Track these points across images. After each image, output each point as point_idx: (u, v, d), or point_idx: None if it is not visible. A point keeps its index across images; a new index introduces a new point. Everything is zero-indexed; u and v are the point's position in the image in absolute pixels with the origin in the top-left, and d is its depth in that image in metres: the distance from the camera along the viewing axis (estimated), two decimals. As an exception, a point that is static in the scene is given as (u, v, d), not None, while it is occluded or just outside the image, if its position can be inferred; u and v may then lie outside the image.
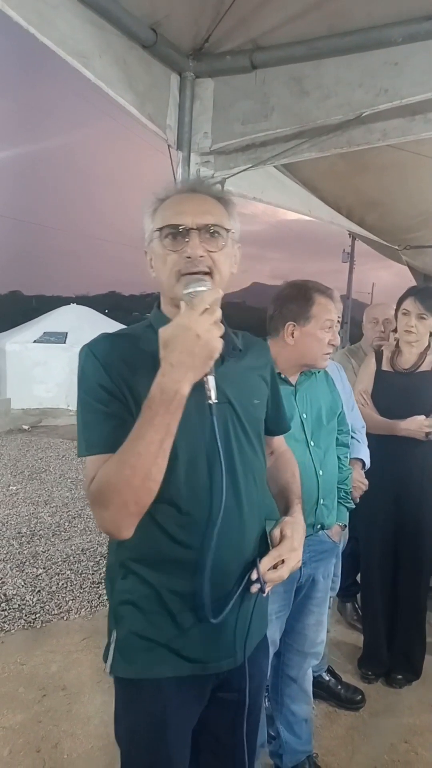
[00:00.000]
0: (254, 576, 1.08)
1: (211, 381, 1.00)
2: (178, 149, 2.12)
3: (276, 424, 1.36)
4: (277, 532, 1.13)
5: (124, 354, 1.07)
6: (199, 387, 1.00)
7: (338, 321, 2.29)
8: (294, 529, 1.14)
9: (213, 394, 1.01)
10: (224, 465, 1.07)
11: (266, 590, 1.09)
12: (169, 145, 2.13)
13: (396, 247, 4.47)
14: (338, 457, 1.99)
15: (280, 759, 2.02)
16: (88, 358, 1.08)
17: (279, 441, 1.42)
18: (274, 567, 1.09)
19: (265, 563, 1.09)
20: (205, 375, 0.99)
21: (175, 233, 1.06)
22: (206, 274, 1.05)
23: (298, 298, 1.75)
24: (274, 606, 1.73)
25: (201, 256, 1.05)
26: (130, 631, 1.13)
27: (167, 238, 1.07)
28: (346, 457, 2.07)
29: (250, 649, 1.19)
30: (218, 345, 0.96)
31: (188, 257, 1.05)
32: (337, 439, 2.00)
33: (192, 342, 0.93)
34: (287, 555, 1.10)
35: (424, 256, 4.51)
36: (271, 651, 1.82)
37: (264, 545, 1.16)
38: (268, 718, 2.04)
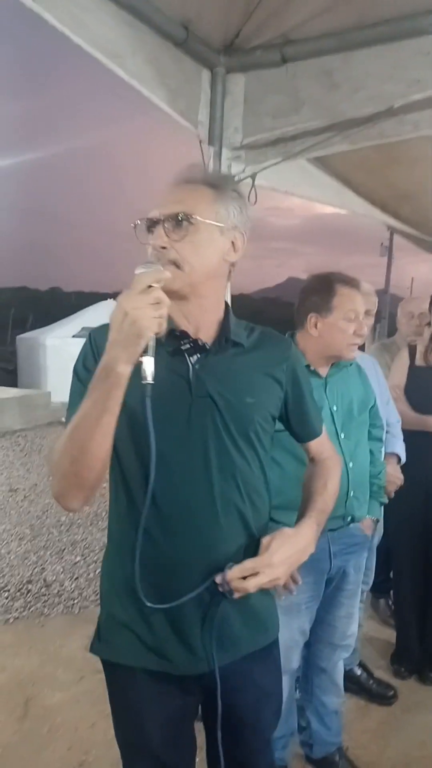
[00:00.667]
0: (218, 579, 1.04)
1: (147, 362, 0.96)
2: (210, 144, 2.14)
3: (301, 427, 1.26)
4: (265, 541, 1.08)
5: None
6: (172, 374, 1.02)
7: (368, 312, 2.27)
8: (284, 542, 1.07)
9: (149, 375, 0.96)
10: (166, 449, 1.03)
11: (235, 596, 1.05)
12: (200, 141, 2.16)
13: (432, 239, 4.39)
14: (371, 452, 1.98)
15: (310, 749, 2.04)
16: (85, 342, 1.13)
17: (318, 446, 1.30)
18: (244, 577, 1.04)
19: (234, 571, 1.04)
20: (142, 355, 0.95)
21: (149, 225, 1.06)
22: (175, 266, 1.03)
23: (320, 289, 1.75)
24: (304, 596, 1.75)
25: (163, 247, 1.03)
26: (109, 612, 1.16)
27: (146, 232, 1.07)
28: (380, 452, 2.06)
29: (224, 656, 1.11)
30: (149, 324, 0.92)
31: (153, 248, 1.04)
32: (370, 432, 1.99)
33: (120, 319, 0.92)
34: (261, 569, 1.04)
35: (461, 248, 4.41)
36: (302, 641, 1.84)
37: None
38: (298, 708, 2.06)
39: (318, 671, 2.00)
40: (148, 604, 1.05)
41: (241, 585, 1.04)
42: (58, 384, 10.07)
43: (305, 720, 2.05)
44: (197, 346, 1.09)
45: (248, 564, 1.05)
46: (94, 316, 11.64)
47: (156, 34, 1.86)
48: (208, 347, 1.10)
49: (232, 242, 1.11)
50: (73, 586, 3.39)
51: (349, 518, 1.81)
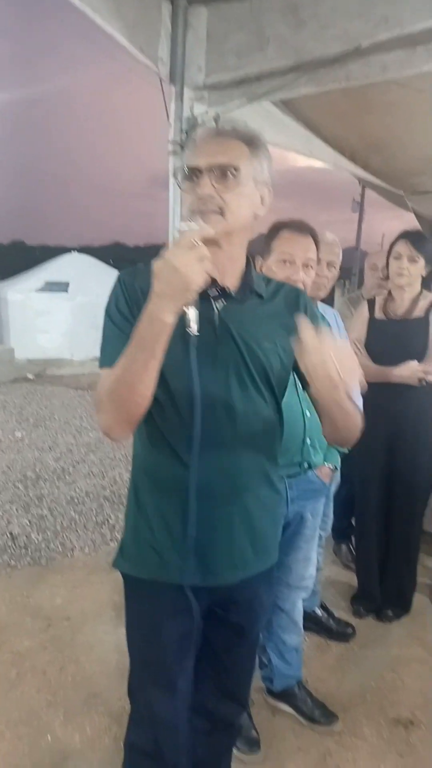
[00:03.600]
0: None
1: (191, 312, 1.07)
2: (171, 83, 2.05)
3: None
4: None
5: (143, 284, 1.13)
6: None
7: (330, 264, 2.26)
8: None
9: (194, 325, 1.07)
10: (201, 391, 1.14)
11: None
12: (161, 79, 2.06)
13: (401, 193, 4.35)
14: None
15: (270, 682, 2.14)
16: (116, 284, 1.20)
17: None
18: None
19: None
20: (187, 306, 1.05)
21: (191, 175, 1.12)
22: (219, 214, 1.11)
23: (268, 233, 1.75)
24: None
25: (210, 196, 1.10)
26: (134, 533, 1.27)
27: (186, 180, 1.13)
28: None
29: (241, 573, 1.27)
30: (197, 278, 1.01)
31: (199, 197, 1.11)
32: None
33: (171, 274, 1.00)
34: None
35: (429, 202, 4.39)
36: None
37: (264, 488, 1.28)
38: (260, 648, 2.15)
39: (278, 611, 2.07)
40: (191, 534, 1.18)
41: None
42: (22, 340, 9.85)
43: (266, 657, 2.14)
44: (223, 293, 1.18)
45: None
46: (58, 269, 11.29)
47: (112, -43, 1.74)
48: (233, 294, 1.19)
49: (261, 196, 1.19)
50: (40, 538, 3.41)
51: (305, 464, 1.85)
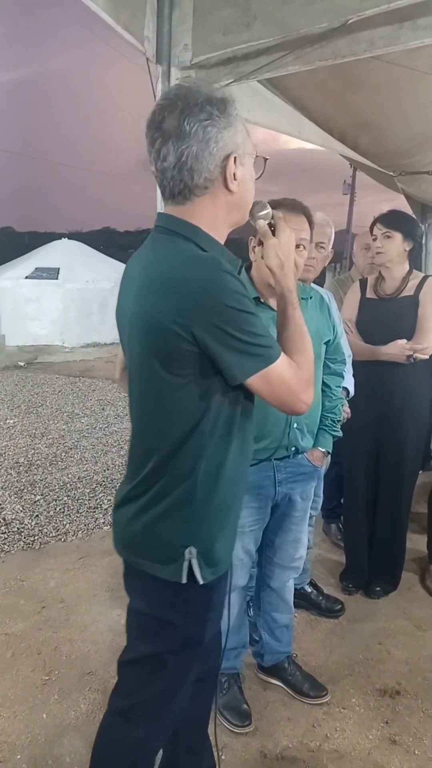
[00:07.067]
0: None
1: None
2: (158, 63, 2.03)
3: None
4: None
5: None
6: None
7: (319, 244, 2.28)
8: None
9: None
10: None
11: None
12: (147, 59, 2.04)
13: (391, 174, 4.33)
14: (329, 386, 2.03)
15: (261, 658, 2.18)
16: (227, 277, 1.07)
17: None
18: None
19: None
20: None
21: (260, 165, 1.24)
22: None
23: None
24: (248, 519, 1.83)
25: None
26: (210, 539, 1.20)
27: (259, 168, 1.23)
28: (338, 387, 2.09)
29: None
30: None
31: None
32: (329, 366, 2.02)
33: (289, 255, 1.25)
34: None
35: (419, 183, 4.37)
36: (248, 560, 1.94)
37: None
38: (251, 624, 2.19)
39: (269, 590, 2.11)
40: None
41: None
42: (13, 327, 9.77)
43: (258, 634, 2.18)
44: None
45: None
46: (48, 256, 11.18)
47: None
48: None
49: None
50: (33, 523, 3.43)
51: (293, 448, 1.86)
